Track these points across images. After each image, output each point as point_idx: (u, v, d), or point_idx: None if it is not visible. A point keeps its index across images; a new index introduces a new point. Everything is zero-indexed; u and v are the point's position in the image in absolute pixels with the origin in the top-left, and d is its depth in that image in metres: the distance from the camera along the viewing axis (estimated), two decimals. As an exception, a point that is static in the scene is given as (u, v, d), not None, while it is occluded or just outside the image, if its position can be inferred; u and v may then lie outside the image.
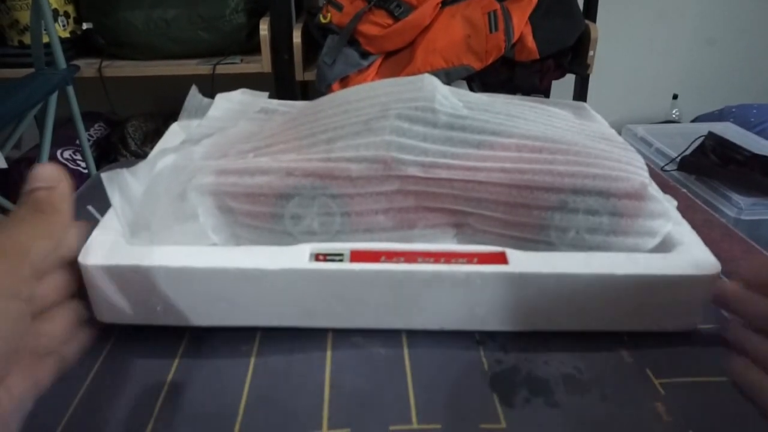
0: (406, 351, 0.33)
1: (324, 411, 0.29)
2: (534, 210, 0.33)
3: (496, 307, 0.33)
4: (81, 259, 0.30)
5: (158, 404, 0.30)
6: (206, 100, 0.47)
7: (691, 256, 0.33)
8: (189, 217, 0.34)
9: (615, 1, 1.63)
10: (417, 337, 0.34)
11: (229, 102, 0.46)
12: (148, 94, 1.59)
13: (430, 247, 0.33)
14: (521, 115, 0.38)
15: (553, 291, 0.32)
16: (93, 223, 0.33)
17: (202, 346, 0.34)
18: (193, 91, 0.47)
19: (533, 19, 1.20)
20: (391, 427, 0.28)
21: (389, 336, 0.34)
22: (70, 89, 1.22)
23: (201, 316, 0.33)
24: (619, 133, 0.40)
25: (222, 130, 0.42)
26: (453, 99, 0.36)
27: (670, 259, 0.33)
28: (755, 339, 0.28)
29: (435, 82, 0.37)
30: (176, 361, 0.32)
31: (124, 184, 0.34)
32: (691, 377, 0.32)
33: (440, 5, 1.21)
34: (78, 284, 0.31)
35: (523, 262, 0.32)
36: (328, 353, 0.33)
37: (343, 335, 0.34)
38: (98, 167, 1.35)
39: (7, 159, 1.06)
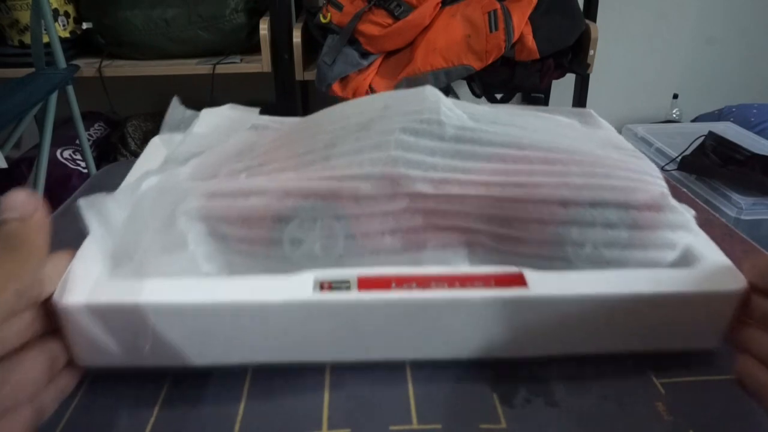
0: (406, 351, 0.33)
1: (324, 411, 0.29)
2: (550, 225, 0.31)
3: (514, 331, 0.31)
4: (57, 297, 0.26)
5: (159, 403, 0.30)
6: (189, 111, 0.44)
7: (716, 270, 0.31)
8: (178, 246, 0.31)
9: (615, 1, 1.63)
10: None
11: (216, 117, 0.43)
12: (148, 93, 1.59)
13: (443, 271, 0.31)
14: (529, 126, 0.36)
15: (575, 313, 0.30)
16: (73, 252, 0.29)
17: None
18: (175, 102, 0.44)
19: (533, 18, 1.20)
20: (391, 427, 0.28)
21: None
22: (70, 89, 1.22)
23: (194, 356, 0.30)
24: (619, 133, 0.40)
25: (209, 148, 0.39)
26: (458, 110, 0.35)
27: (696, 274, 0.31)
28: (764, 339, 0.27)
29: (437, 93, 0.36)
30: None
31: (105, 211, 0.31)
32: (691, 377, 0.32)
33: (440, 5, 1.21)
34: (52, 322, 0.27)
35: (542, 283, 0.30)
36: (328, 353, 0.33)
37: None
38: (98, 167, 1.35)
39: (7, 159, 1.06)
